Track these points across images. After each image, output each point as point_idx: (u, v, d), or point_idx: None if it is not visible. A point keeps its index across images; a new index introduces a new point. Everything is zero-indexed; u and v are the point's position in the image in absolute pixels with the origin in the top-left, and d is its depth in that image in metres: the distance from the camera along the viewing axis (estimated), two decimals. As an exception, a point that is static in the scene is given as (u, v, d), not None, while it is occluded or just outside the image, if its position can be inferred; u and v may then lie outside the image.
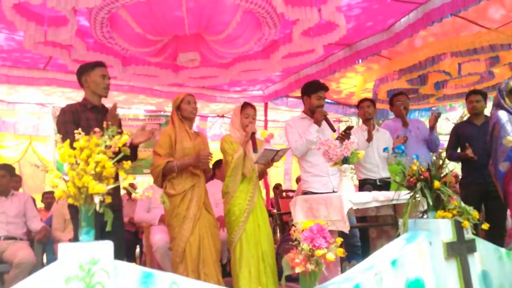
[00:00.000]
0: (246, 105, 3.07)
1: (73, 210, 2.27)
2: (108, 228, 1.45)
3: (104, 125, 1.52)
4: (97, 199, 1.37)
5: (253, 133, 2.91)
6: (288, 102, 5.88)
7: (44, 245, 3.28)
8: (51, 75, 4.61)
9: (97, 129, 1.42)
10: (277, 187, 7.04)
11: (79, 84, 2.59)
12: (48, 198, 4.86)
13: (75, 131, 1.45)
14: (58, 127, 2.39)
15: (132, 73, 4.38)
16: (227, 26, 3.55)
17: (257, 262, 2.77)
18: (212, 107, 6.32)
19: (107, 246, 1.36)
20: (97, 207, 1.37)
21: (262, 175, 3.11)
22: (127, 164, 1.52)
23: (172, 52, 3.99)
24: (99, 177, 1.42)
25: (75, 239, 2.41)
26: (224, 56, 4.23)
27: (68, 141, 1.41)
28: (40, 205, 5.02)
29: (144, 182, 6.52)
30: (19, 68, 4.44)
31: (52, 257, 3.28)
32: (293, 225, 2.15)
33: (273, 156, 2.90)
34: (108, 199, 1.44)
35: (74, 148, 1.38)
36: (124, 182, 1.47)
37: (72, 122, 2.34)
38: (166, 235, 3.12)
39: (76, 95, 5.24)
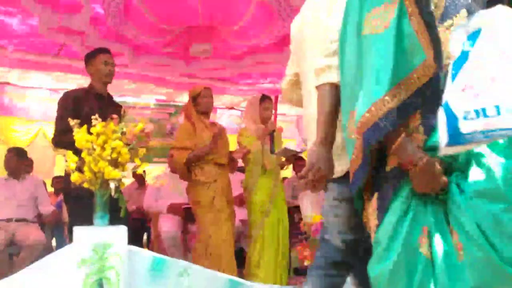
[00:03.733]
0: (264, 98, 3.06)
1: (66, 194, 2.29)
2: (122, 214, 1.47)
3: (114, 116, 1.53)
4: (112, 185, 1.39)
5: (273, 131, 2.89)
6: (298, 96, 5.86)
7: (53, 229, 3.34)
8: (64, 61, 4.63)
9: (115, 116, 1.44)
10: (283, 180, 7.04)
11: (87, 72, 2.62)
12: (58, 182, 4.90)
13: (73, 121, 1.46)
14: (57, 108, 2.43)
15: (144, 62, 4.39)
16: (241, 17, 3.54)
17: (276, 254, 2.78)
18: (222, 99, 6.32)
19: (121, 230, 1.39)
20: (113, 193, 1.40)
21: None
22: (142, 151, 1.54)
23: (185, 43, 3.99)
24: (114, 163, 1.44)
25: (70, 223, 2.42)
26: (236, 47, 4.23)
27: (85, 126, 1.43)
28: (50, 189, 5.07)
29: (153, 170, 6.53)
30: (33, 53, 4.46)
31: (62, 241, 3.33)
32: (300, 219, 2.16)
33: (293, 155, 2.91)
34: (123, 185, 1.46)
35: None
36: (138, 169, 1.49)
37: (70, 108, 2.36)
38: (175, 224, 3.17)
39: (86, 82, 5.25)
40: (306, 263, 1.73)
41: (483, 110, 0.83)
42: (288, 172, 8.30)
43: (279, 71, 5.28)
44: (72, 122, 1.44)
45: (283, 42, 4.25)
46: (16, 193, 3.12)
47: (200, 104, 2.88)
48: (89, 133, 1.44)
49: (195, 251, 2.68)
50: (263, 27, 3.75)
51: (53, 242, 3.33)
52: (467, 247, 0.93)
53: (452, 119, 0.86)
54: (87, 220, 1.41)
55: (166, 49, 4.18)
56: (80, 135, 1.41)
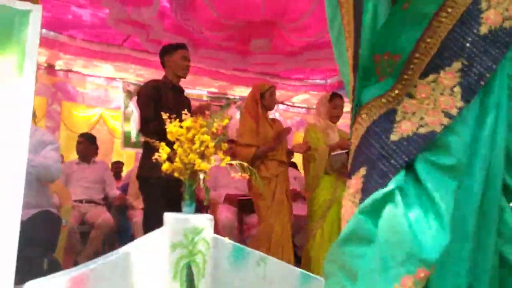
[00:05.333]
0: (335, 96, 3.08)
1: (142, 181, 2.44)
2: (206, 202, 1.58)
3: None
4: (201, 176, 1.49)
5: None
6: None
7: (120, 211, 3.55)
8: (125, 51, 4.85)
9: (207, 112, 1.54)
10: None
11: (161, 64, 2.69)
12: (117, 168, 5.17)
13: (166, 114, 1.55)
14: (139, 97, 2.52)
15: (201, 55, 4.51)
16: (302, 14, 3.56)
17: None
18: (271, 93, 6.38)
19: (208, 218, 1.48)
20: (201, 183, 1.49)
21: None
22: (225, 145, 1.63)
23: (244, 37, 4.06)
24: (201, 156, 1.53)
25: (145, 209, 2.58)
26: (293, 44, 4.26)
27: (177, 120, 1.54)
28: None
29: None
30: (99, 43, 4.70)
31: (125, 223, 3.53)
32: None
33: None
34: (208, 177, 1.55)
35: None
36: (222, 162, 1.59)
37: (153, 96, 2.45)
38: (232, 214, 3.29)
39: (145, 73, 5.49)
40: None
41: None
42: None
43: (330, 68, 5.28)
44: (165, 115, 1.54)
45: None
46: (86, 176, 3.34)
47: (267, 101, 2.92)
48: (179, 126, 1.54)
49: (256, 240, 2.78)
50: (323, 24, 3.74)
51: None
52: None
53: None
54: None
55: (225, 43, 4.27)
56: (173, 128, 1.51)
